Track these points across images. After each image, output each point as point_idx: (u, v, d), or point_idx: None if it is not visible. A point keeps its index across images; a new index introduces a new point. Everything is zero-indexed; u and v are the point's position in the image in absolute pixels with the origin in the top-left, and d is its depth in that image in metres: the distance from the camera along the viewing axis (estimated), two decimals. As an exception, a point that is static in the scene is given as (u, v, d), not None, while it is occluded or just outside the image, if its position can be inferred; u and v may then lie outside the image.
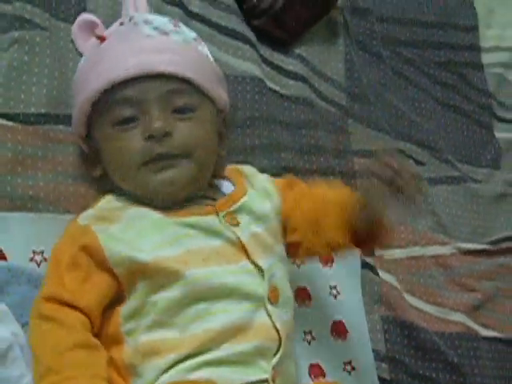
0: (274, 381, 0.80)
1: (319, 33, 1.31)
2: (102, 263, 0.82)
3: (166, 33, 0.91)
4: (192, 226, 0.85)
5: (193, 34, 0.95)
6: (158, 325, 0.80)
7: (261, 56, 1.21)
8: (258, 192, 0.94)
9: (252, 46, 1.19)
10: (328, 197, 0.93)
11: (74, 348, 0.76)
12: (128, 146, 0.86)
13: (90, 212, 0.87)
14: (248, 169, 0.99)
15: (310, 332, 1.05)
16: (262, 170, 1.10)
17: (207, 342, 0.79)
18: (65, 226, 0.89)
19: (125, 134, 0.86)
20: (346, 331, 1.07)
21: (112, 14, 1.06)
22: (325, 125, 1.24)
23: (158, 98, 0.86)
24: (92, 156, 0.93)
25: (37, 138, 0.95)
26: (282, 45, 1.25)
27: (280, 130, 1.17)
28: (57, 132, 0.97)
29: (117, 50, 0.89)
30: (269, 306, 0.84)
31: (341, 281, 1.11)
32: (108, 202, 0.89)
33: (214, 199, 0.91)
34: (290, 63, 1.25)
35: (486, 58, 1.54)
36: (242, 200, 0.91)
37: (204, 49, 0.96)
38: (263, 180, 0.97)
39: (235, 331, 0.80)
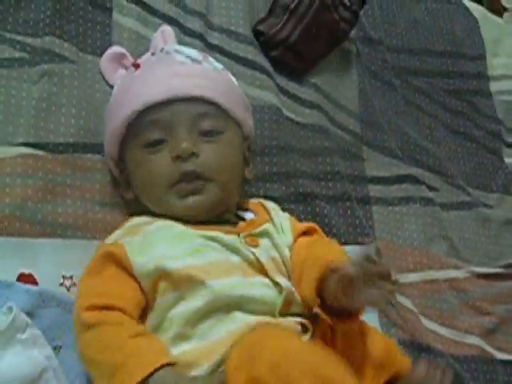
0: None
1: (333, 62, 1.34)
2: (128, 271, 0.84)
3: (198, 61, 0.96)
4: (213, 239, 0.88)
5: (221, 65, 1.01)
6: (179, 338, 0.82)
7: (277, 85, 1.24)
8: (276, 226, 0.96)
9: (269, 75, 1.23)
10: (324, 255, 0.89)
11: (129, 339, 0.78)
12: (156, 167, 0.90)
13: (116, 232, 0.91)
14: (270, 204, 1.03)
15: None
16: (280, 197, 1.14)
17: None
18: (93, 251, 0.93)
19: (153, 155, 0.90)
20: (365, 354, 1.09)
21: (136, 47, 1.10)
22: (340, 152, 1.27)
23: (186, 120, 0.90)
24: (124, 179, 0.97)
25: (66, 167, 0.99)
26: (298, 74, 1.29)
27: (297, 158, 1.20)
28: (84, 160, 1.00)
29: (151, 75, 0.94)
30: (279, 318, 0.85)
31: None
32: (135, 220, 0.92)
33: (236, 223, 0.94)
34: (305, 92, 1.28)
35: (494, 86, 1.58)
36: (264, 226, 0.94)
37: (232, 77, 1.01)
38: (283, 217, 1.00)
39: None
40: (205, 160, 0.90)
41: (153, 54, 0.99)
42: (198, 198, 0.89)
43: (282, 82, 1.26)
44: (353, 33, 1.36)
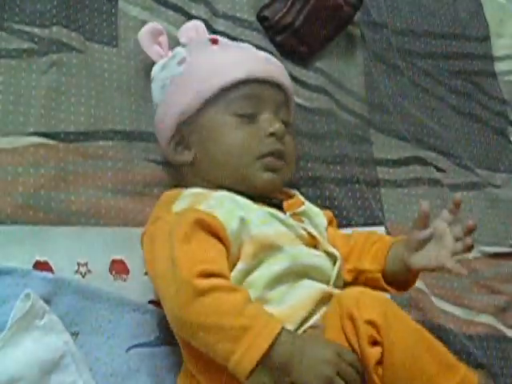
0: None
1: (338, 47, 1.35)
2: (219, 237, 0.85)
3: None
4: (271, 214, 0.92)
5: None
6: (259, 302, 0.83)
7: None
8: (310, 208, 1.01)
9: (275, 61, 1.23)
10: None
11: (248, 303, 0.79)
12: (251, 137, 0.95)
13: (181, 202, 0.91)
14: (294, 191, 1.06)
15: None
16: (289, 181, 1.14)
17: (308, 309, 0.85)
18: (106, 238, 0.94)
19: (247, 126, 0.96)
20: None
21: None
22: (348, 135, 1.27)
23: (277, 104, 0.99)
24: (179, 141, 0.99)
25: (77, 155, 0.99)
26: (303, 59, 1.29)
27: (305, 142, 1.21)
28: (96, 148, 1.01)
29: (247, 51, 1.04)
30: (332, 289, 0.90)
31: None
32: (192, 190, 0.94)
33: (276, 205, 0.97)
34: (311, 77, 1.29)
35: (499, 67, 1.58)
36: (302, 207, 0.99)
37: None
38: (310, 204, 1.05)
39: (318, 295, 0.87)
40: (287, 145, 0.98)
41: (210, 40, 1.03)
42: (275, 176, 0.96)
43: (288, 66, 1.26)
44: (357, 16, 1.36)
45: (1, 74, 0.99)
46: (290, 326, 0.82)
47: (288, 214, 0.96)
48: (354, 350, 0.79)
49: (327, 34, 1.31)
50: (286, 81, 1.02)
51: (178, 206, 0.91)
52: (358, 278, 0.97)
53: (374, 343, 0.79)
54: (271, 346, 0.76)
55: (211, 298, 0.78)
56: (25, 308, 0.82)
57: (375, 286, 0.93)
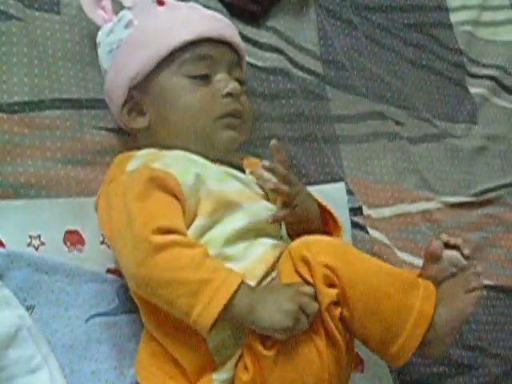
0: None
1: (290, 4, 1.32)
2: (175, 193, 0.84)
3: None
4: (228, 173, 0.92)
5: None
6: (219, 258, 0.83)
7: (234, 30, 1.22)
8: None
9: (225, 21, 1.21)
10: None
11: (207, 257, 0.79)
12: (207, 98, 0.94)
13: (136, 160, 0.90)
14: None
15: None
16: (245, 142, 1.12)
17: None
18: (58, 210, 0.92)
19: (202, 87, 0.94)
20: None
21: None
22: (303, 93, 1.25)
23: (229, 64, 0.98)
24: (132, 107, 0.97)
25: (23, 126, 0.96)
26: (254, 18, 1.27)
27: (260, 101, 1.19)
28: (42, 118, 0.98)
29: (194, 11, 1.01)
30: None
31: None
32: (147, 150, 0.93)
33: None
34: (263, 36, 1.26)
35: (455, 17, 1.57)
36: None
37: None
38: None
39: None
40: (243, 104, 0.97)
41: (156, 1, 1.00)
42: (234, 134, 0.95)
43: (239, 26, 1.23)
44: (308, -28, 1.34)
45: None
46: (251, 282, 0.82)
47: (247, 171, 0.95)
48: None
49: (277, -9, 1.28)
50: (237, 39, 1.01)
51: (131, 166, 0.89)
52: None
53: (330, 285, 0.79)
54: (231, 299, 0.76)
55: (169, 253, 0.77)
56: (-25, 284, 0.80)
57: None
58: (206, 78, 0.95)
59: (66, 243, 0.94)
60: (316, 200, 0.95)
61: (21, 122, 0.96)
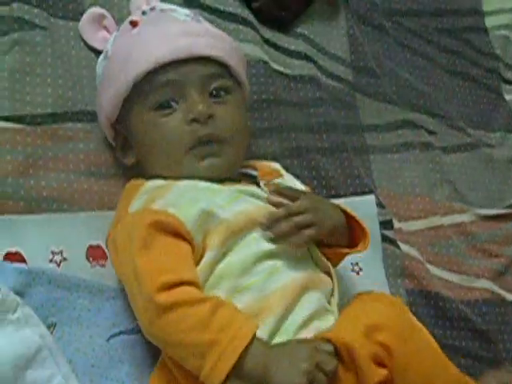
0: None
1: (319, 9, 1.29)
2: (180, 233, 0.80)
3: (198, 20, 0.93)
4: (240, 191, 0.88)
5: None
6: (235, 291, 0.80)
7: (262, 37, 1.19)
8: (288, 182, 0.96)
9: (253, 28, 1.18)
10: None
11: (215, 312, 0.75)
12: (170, 130, 0.87)
13: (138, 199, 0.86)
14: (275, 164, 1.02)
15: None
16: (274, 152, 1.11)
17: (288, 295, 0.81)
18: (81, 224, 0.90)
19: (166, 118, 0.88)
20: (372, 307, 1.06)
21: (109, 9, 1.05)
22: (333, 101, 1.22)
23: (198, 81, 0.88)
24: (121, 143, 0.93)
25: (46, 139, 0.95)
26: (283, 25, 1.24)
27: (288, 111, 1.16)
28: (65, 130, 0.96)
29: (156, 33, 0.90)
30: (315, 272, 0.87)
31: (362, 257, 1.09)
32: (152, 183, 0.88)
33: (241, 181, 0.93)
34: (292, 43, 1.23)
35: (490, 21, 1.52)
36: (280, 179, 0.95)
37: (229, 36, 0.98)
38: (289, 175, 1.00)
39: (305, 282, 0.84)
40: (220, 122, 0.88)
41: (144, 12, 0.95)
42: (216, 160, 0.88)
43: (267, 33, 1.22)
44: (338, -24, 1.30)
45: (-39, 58, 0.95)
46: (269, 320, 0.79)
47: (262, 183, 0.91)
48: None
49: (307, -3, 1.25)
50: (216, 51, 0.90)
51: (134, 206, 0.85)
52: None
53: (380, 364, 0.77)
54: (241, 358, 0.73)
55: (175, 314, 0.75)
56: (-5, 302, 0.78)
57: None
58: (170, 106, 0.88)
59: (88, 258, 0.92)
60: (342, 209, 0.92)
61: (44, 135, 0.95)
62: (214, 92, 0.90)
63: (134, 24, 0.92)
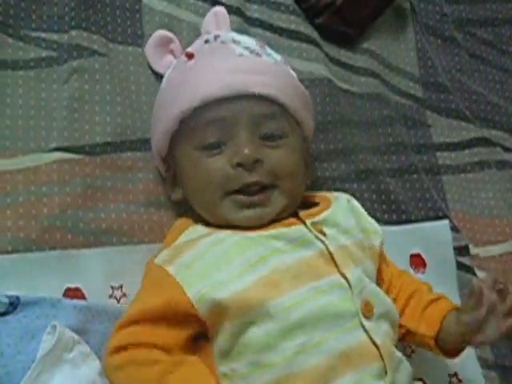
0: None
1: (386, 23, 1.23)
2: (187, 313, 0.76)
3: (258, 53, 0.88)
4: (277, 237, 0.80)
5: (279, 56, 0.93)
6: (256, 367, 0.74)
7: (327, 55, 1.15)
8: (341, 208, 0.89)
9: (316, 45, 1.14)
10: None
11: (164, 378, 0.71)
12: (214, 172, 0.82)
13: (169, 251, 0.82)
14: (339, 193, 0.95)
15: (409, 345, 0.98)
16: (340, 176, 1.07)
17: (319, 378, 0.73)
18: (140, 257, 0.87)
19: (211, 159, 0.83)
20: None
21: (169, 30, 1.02)
22: (402, 120, 1.17)
23: (248, 121, 0.82)
24: (171, 178, 0.91)
25: (105, 169, 0.92)
26: (348, 40, 1.19)
27: (355, 131, 1.11)
28: (124, 160, 0.94)
29: (208, 67, 0.85)
30: (364, 322, 0.77)
31: (436, 285, 1.03)
32: (189, 234, 0.84)
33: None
34: (358, 59, 1.18)
35: None
36: (326, 213, 0.87)
37: (291, 71, 0.93)
38: (345, 198, 0.93)
39: (342, 360, 0.74)
40: (269, 168, 0.82)
41: (206, 41, 0.91)
42: (261, 211, 0.82)
43: (332, 50, 1.17)
44: (405, -13, 1.24)
45: (20, 87, 0.92)
46: None
47: (308, 223, 0.83)
48: None
49: (372, 11, 1.19)
50: (267, 89, 0.83)
51: (160, 257, 0.82)
52: (406, 337, 0.88)
53: None
54: None
55: (125, 373, 0.73)
56: (51, 342, 0.76)
57: (420, 345, 0.88)
58: (218, 146, 0.83)
59: (149, 293, 0.89)
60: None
61: (103, 165, 0.92)
62: (269, 135, 0.84)
63: (189, 56, 0.89)
